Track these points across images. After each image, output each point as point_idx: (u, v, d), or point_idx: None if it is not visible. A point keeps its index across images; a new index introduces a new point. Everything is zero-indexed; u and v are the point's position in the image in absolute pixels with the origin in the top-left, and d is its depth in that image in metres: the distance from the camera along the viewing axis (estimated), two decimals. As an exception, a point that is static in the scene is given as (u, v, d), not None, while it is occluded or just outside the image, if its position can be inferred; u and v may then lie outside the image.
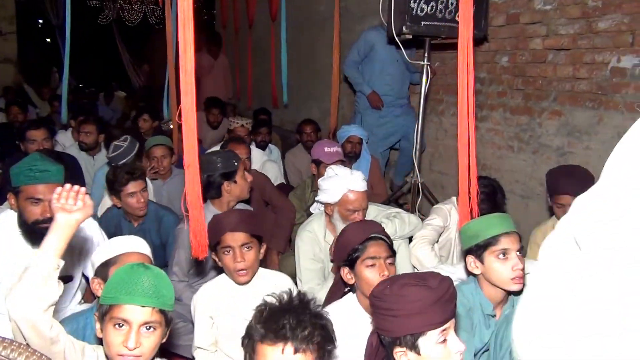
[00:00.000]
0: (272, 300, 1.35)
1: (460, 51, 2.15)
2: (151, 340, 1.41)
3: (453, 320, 1.39)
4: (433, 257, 2.72)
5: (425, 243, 2.73)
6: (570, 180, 2.46)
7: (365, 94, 4.32)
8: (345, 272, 1.90)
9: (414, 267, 2.77)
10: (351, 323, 1.79)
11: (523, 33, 3.56)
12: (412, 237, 2.74)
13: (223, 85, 6.98)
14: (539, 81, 3.50)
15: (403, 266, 2.54)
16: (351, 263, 1.87)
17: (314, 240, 2.59)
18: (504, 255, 1.78)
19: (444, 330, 1.35)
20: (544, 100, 3.48)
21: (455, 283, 1.44)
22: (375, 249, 1.85)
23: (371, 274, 1.81)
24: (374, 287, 1.46)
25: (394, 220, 2.61)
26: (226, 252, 2.01)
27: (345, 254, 1.89)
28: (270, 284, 2.02)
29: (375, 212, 2.75)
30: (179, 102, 1.81)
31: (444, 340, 1.35)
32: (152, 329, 1.41)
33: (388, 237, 1.96)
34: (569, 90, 3.30)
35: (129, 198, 2.77)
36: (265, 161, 4.25)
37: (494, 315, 1.86)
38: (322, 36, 5.55)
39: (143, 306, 1.39)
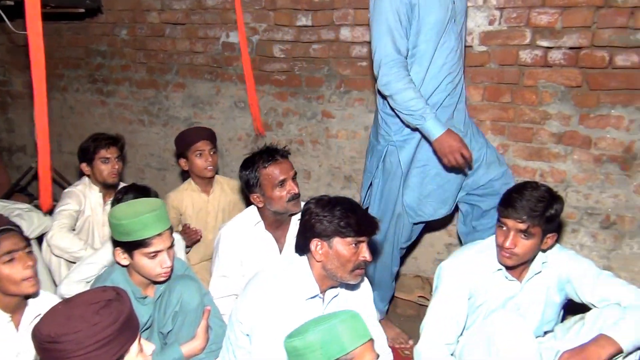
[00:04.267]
0: None
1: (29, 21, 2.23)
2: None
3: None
4: (77, 242, 2.73)
5: (64, 231, 2.72)
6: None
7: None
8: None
9: (60, 256, 2.73)
10: None
11: (139, 6, 3.76)
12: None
13: None
14: (160, 55, 3.81)
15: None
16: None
17: None
18: (155, 256, 1.91)
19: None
20: (167, 74, 3.81)
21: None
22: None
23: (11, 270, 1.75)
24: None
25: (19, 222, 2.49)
26: None
27: None
28: None
29: None
30: None
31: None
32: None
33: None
34: (188, 64, 3.71)
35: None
36: None
37: (146, 297, 2.05)
38: None
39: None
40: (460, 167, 2.29)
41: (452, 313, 2.00)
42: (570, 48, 2.60)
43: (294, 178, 2.29)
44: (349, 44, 3.16)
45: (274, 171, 2.25)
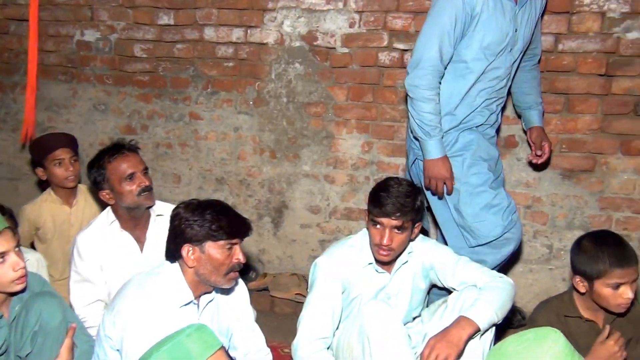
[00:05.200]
0: None
1: None
2: None
3: None
4: None
5: None
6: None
7: None
8: None
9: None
10: None
11: (-23, 0, 3.43)
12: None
13: None
14: (5, 54, 3.49)
15: None
16: None
17: None
18: (2, 261, 1.78)
19: None
20: (14, 74, 3.49)
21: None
22: None
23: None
24: None
25: None
26: None
27: None
28: None
29: None
30: None
31: None
32: None
33: None
34: (40, 64, 3.45)
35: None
36: None
37: (0, 317, 1.89)
38: None
39: None
40: (437, 193, 2.34)
41: (326, 308, 2.07)
42: (424, 50, 2.83)
43: (144, 172, 2.24)
44: (214, 44, 3.14)
45: (121, 165, 2.19)
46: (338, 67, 2.97)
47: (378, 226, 2.03)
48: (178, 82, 3.25)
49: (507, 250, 2.36)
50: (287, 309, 3.09)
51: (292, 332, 2.13)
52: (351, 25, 2.91)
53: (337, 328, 2.14)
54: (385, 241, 2.01)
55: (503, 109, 2.52)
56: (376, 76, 2.93)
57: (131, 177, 2.19)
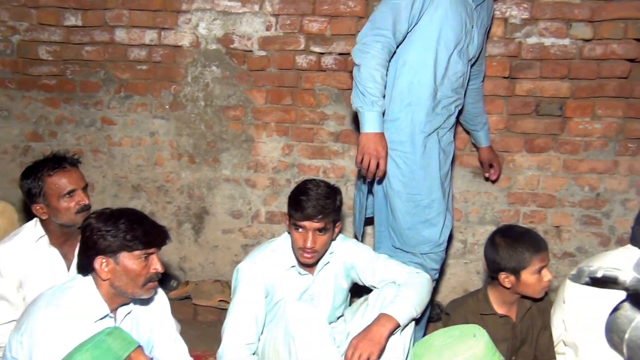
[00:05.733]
0: None
1: None
2: None
3: None
4: None
5: None
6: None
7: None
8: None
9: None
10: None
11: None
12: None
13: None
14: None
15: None
16: None
17: None
18: None
19: None
20: None
21: None
22: None
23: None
24: None
25: None
26: None
27: None
28: None
29: None
30: None
31: None
32: None
33: None
34: None
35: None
36: None
37: None
38: None
39: None
40: (369, 174, 2.16)
41: (250, 313, 2.06)
42: (340, 54, 2.89)
43: (84, 189, 2.14)
44: (126, 47, 3.04)
45: (60, 180, 2.07)
46: (256, 70, 2.97)
47: (300, 230, 2.05)
48: (88, 86, 3.12)
49: (430, 266, 2.38)
50: (210, 316, 3.05)
51: (217, 340, 2.10)
52: (268, 29, 2.91)
53: (262, 333, 2.14)
54: (309, 244, 2.03)
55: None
56: (294, 79, 2.95)
57: (71, 194, 2.08)
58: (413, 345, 2.01)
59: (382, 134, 2.14)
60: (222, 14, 2.95)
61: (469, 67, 2.35)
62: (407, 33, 2.16)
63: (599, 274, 0.51)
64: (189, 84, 3.05)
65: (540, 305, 2.08)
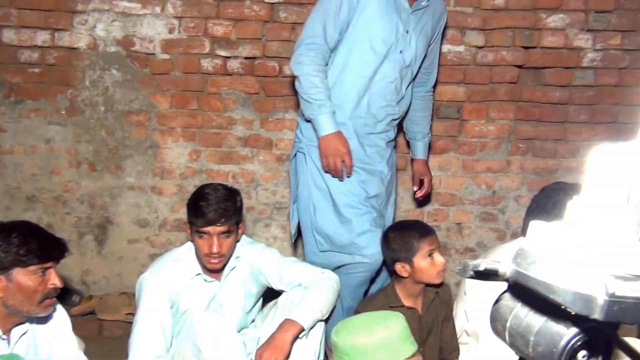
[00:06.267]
0: None
1: None
2: None
3: None
4: None
5: None
6: None
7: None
8: None
9: None
10: None
11: None
12: None
13: None
14: None
15: None
16: None
17: None
18: None
19: None
20: None
21: None
22: None
23: None
24: None
25: None
26: None
27: None
28: None
29: None
30: None
31: None
32: None
33: None
34: None
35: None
36: None
37: None
38: None
39: None
40: (337, 173, 2.23)
41: (156, 325, 2.00)
42: (246, 58, 2.87)
43: None
44: (15, 48, 2.84)
45: None
46: (159, 73, 2.88)
47: (205, 236, 2.02)
48: (-28, 90, 2.89)
49: (358, 270, 2.34)
50: (118, 331, 2.92)
51: (124, 356, 2.03)
52: (170, 31, 2.84)
53: (170, 345, 2.09)
54: (215, 249, 2.01)
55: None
56: (200, 83, 2.90)
57: None
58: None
59: (338, 133, 2.19)
60: (122, 15, 2.84)
61: (409, 73, 2.33)
62: (341, 37, 2.21)
63: (481, 268, 0.55)
64: (87, 88, 2.91)
65: (443, 297, 2.20)
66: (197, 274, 2.12)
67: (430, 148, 2.75)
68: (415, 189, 2.66)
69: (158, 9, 2.82)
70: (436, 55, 2.52)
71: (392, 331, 1.70)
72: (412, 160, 2.69)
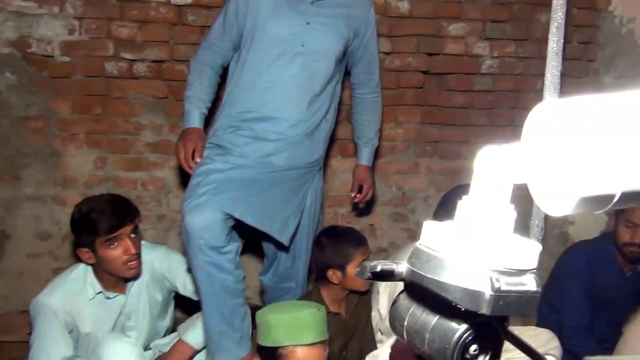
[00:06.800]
0: None
1: None
2: None
3: None
4: None
5: None
6: None
7: None
8: None
9: None
10: None
11: None
12: None
13: None
14: None
15: None
16: None
17: None
18: None
19: None
20: None
21: None
22: None
23: None
24: None
25: None
26: None
27: None
28: None
29: None
30: None
31: None
32: None
33: None
34: None
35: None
36: None
37: None
38: None
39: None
40: (179, 162, 2.17)
41: (53, 350, 1.90)
42: (153, 61, 2.78)
43: None
44: None
45: None
46: (59, 77, 2.72)
47: (116, 243, 1.95)
48: None
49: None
50: (17, 352, 2.72)
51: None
52: (71, 32, 2.69)
53: None
54: (133, 250, 1.96)
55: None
56: (104, 87, 2.77)
57: None
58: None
59: (198, 131, 2.17)
60: (15, 15, 2.65)
61: (321, 68, 2.16)
62: (241, 35, 2.16)
63: (378, 269, 0.55)
64: (-23, 93, 2.69)
65: (364, 300, 2.24)
66: (98, 293, 2.02)
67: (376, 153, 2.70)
68: (352, 194, 2.61)
69: (56, 9, 2.66)
70: (373, 55, 2.43)
71: (300, 315, 1.75)
72: (356, 165, 2.62)
